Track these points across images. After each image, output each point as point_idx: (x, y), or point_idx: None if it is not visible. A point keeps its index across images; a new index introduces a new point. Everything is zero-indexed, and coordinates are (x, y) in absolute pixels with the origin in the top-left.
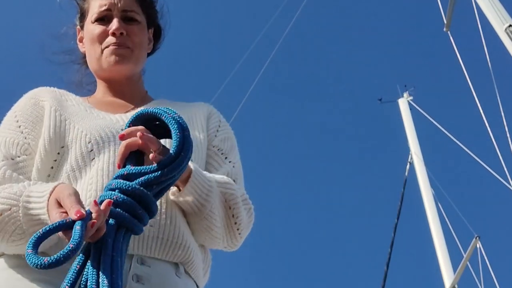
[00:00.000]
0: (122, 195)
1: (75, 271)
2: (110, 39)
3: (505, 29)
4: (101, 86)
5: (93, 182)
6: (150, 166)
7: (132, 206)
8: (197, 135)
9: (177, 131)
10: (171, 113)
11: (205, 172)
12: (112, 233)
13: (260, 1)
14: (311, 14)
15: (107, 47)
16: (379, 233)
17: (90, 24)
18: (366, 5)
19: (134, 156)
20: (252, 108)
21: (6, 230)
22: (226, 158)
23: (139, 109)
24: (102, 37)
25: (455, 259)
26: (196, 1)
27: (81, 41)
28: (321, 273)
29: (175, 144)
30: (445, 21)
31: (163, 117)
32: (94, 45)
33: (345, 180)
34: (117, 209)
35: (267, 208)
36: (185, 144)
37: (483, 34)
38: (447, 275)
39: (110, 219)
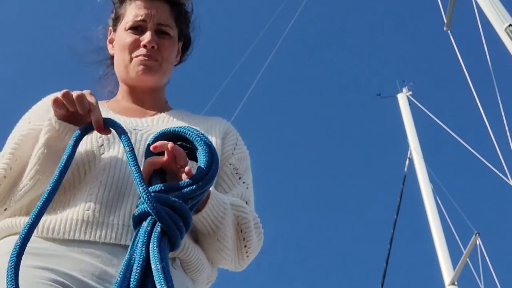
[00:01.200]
0: (164, 207)
1: (123, 277)
2: (141, 50)
3: (505, 29)
4: (123, 91)
5: (103, 178)
6: (184, 181)
7: (175, 219)
8: None
9: (204, 146)
10: (195, 131)
11: (219, 193)
12: (158, 242)
13: (260, 1)
14: (312, 10)
15: (136, 56)
16: (378, 229)
17: (123, 31)
18: (366, 2)
19: (157, 174)
20: (252, 107)
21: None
22: (240, 178)
23: (157, 116)
24: (133, 46)
25: (454, 255)
26: (196, 1)
27: (111, 42)
28: (320, 269)
29: (205, 158)
30: (445, 21)
31: (188, 135)
32: (124, 53)
33: (344, 176)
34: (162, 214)
35: (266, 205)
36: (214, 158)
37: (483, 33)
38: (447, 271)
39: (155, 226)
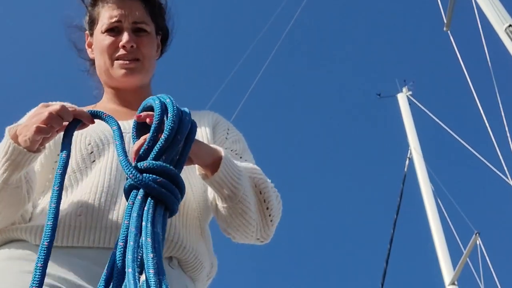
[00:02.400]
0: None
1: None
2: (120, 52)
3: (505, 29)
4: (108, 94)
5: (94, 184)
6: (146, 141)
7: (152, 179)
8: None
9: (156, 101)
10: (155, 96)
11: (231, 158)
12: (139, 208)
13: (260, 1)
14: (311, 10)
15: (117, 59)
16: (379, 229)
17: (100, 34)
18: (366, 3)
19: None
20: (252, 108)
21: None
22: (241, 157)
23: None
24: (112, 48)
25: (455, 255)
26: (196, 1)
27: (89, 46)
28: (320, 269)
29: (155, 112)
30: (445, 21)
31: (149, 103)
32: (103, 56)
33: (344, 176)
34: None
35: None
36: (167, 109)
37: (483, 34)
38: (447, 271)
39: (139, 192)
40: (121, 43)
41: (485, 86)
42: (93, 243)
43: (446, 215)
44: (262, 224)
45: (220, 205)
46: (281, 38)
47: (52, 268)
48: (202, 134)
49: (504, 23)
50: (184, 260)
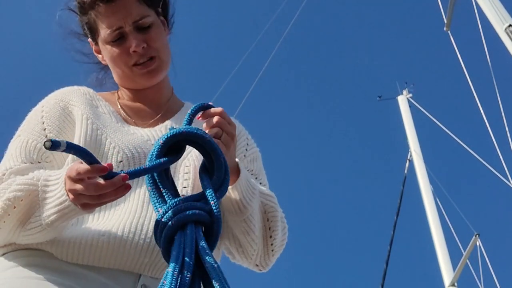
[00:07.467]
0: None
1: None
2: (134, 57)
3: (505, 29)
4: (126, 91)
5: (122, 207)
6: (209, 193)
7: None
8: None
9: (215, 153)
10: (205, 135)
11: (250, 176)
12: (192, 233)
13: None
14: (312, 12)
15: (134, 65)
16: (379, 230)
17: (105, 45)
18: (366, 3)
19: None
20: (252, 109)
21: (26, 214)
22: (256, 178)
23: (169, 122)
24: (124, 56)
25: (454, 256)
26: (198, 0)
27: (98, 52)
28: (320, 270)
29: (218, 172)
30: (445, 21)
31: (198, 138)
32: (119, 65)
33: (344, 177)
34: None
35: None
36: (226, 167)
37: (483, 34)
38: (447, 272)
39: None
40: (131, 49)
41: (486, 86)
42: (114, 265)
43: (446, 216)
44: (263, 251)
45: (227, 217)
46: (280, 40)
47: (70, 279)
48: None
49: (504, 23)
50: None
